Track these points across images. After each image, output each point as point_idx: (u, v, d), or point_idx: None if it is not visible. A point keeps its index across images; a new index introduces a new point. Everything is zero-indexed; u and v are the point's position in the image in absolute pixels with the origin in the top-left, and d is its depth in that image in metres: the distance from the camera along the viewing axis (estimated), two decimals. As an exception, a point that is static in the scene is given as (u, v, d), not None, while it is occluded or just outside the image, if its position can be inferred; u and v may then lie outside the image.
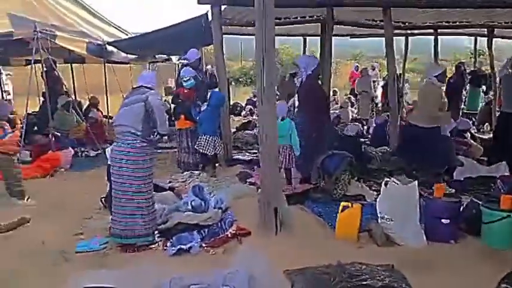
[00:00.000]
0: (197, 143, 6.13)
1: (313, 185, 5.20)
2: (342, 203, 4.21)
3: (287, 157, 5.30)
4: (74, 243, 4.07)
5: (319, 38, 9.61)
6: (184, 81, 6.31)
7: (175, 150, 6.84)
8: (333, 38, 7.59)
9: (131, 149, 3.89)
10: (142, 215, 3.95)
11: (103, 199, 5.02)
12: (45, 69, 7.38)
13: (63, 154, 7.00)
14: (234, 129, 9.38)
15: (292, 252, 3.75)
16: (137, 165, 3.89)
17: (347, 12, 7.84)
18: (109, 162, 4.19)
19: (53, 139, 7.25)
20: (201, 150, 6.12)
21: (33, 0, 8.16)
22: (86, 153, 8.05)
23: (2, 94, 11.29)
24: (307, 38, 13.02)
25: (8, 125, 5.13)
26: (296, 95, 6.63)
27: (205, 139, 6.07)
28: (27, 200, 5.21)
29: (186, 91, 6.27)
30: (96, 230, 4.35)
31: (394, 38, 7.13)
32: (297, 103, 6.69)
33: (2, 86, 11.64)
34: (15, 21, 7.05)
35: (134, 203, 3.93)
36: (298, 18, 8.67)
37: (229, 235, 4.08)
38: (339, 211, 4.14)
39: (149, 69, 11.64)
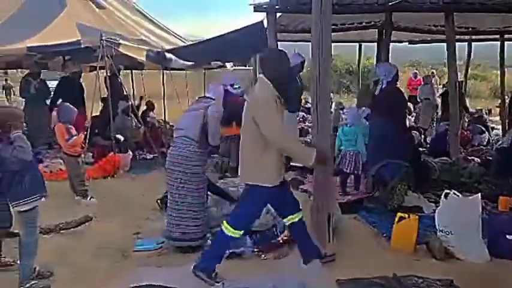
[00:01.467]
0: None
1: (367, 194, 5.10)
2: (398, 214, 4.08)
3: (354, 163, 5.38)
4: (132, 241, 4.25)
5: (374, 43, 9.43)
6: (234, 88, 6.36)
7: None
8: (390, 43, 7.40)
9: (186, 152, 3.99)
10: (194, 218, 4.04)
11: (159, 201, 5.19)
12: (108, 74, 7.76)
13: (122, 157, 7.32)
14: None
15: (344, 261, 3.68)
16: (190, 169, 3.99)
17: (406, 17, 7.63)
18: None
19: (114, 142, 7.60)
20: None
21: (101, 12, 8.67)
22: (143, 156, 8.38)
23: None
24: (363, 44, 12.80)
25: (74, 128, 5.45)
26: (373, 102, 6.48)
27: None
28: (90, 199, 5.49)
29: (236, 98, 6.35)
30: (152, 231, 4.52)
31: (456, 43, 6.84)
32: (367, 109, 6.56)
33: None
34: (83, 30, 7.49)
35: (186, 206, 4.02)
36: (355, 24, 8.54)
37: (281, 241, 4.07)
38: (395, 222, 4.02)
39: (204, 76, 11.95)
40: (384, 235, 4.22)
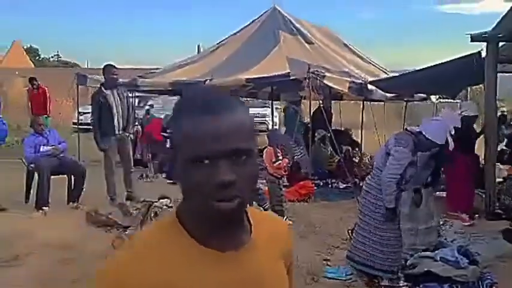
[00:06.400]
0: None
1: None
2: None
3: None
4: (321, 267, 4.32)
5: None
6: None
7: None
8: None
9: (374, 183, 3.96)
10: (382, 249, 3.90)
11: (350, 231, 5.16)
12: (321, 105, 8.16)
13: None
14: (501, 179, 8.19)
15: None
16: (378, 199, 3.90)
17: None
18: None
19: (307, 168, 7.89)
20: None
21: (309, 47, 9.33)
22: (336, 185, 8.47)
23: (273, 125, 13.17)
24: None
25: (280, 151, 5.89)
26: None
27: None
28: (285, 219, 5.81)
29: None
30: (341, 260, 4.49)
31: None
32: None
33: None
34: (292, 63, 8.16)
35: (373, 235, 3.93)
36: None
37: (489, 298, 3.57)
38: None
39: (405, 108, 11.52)
40: None
